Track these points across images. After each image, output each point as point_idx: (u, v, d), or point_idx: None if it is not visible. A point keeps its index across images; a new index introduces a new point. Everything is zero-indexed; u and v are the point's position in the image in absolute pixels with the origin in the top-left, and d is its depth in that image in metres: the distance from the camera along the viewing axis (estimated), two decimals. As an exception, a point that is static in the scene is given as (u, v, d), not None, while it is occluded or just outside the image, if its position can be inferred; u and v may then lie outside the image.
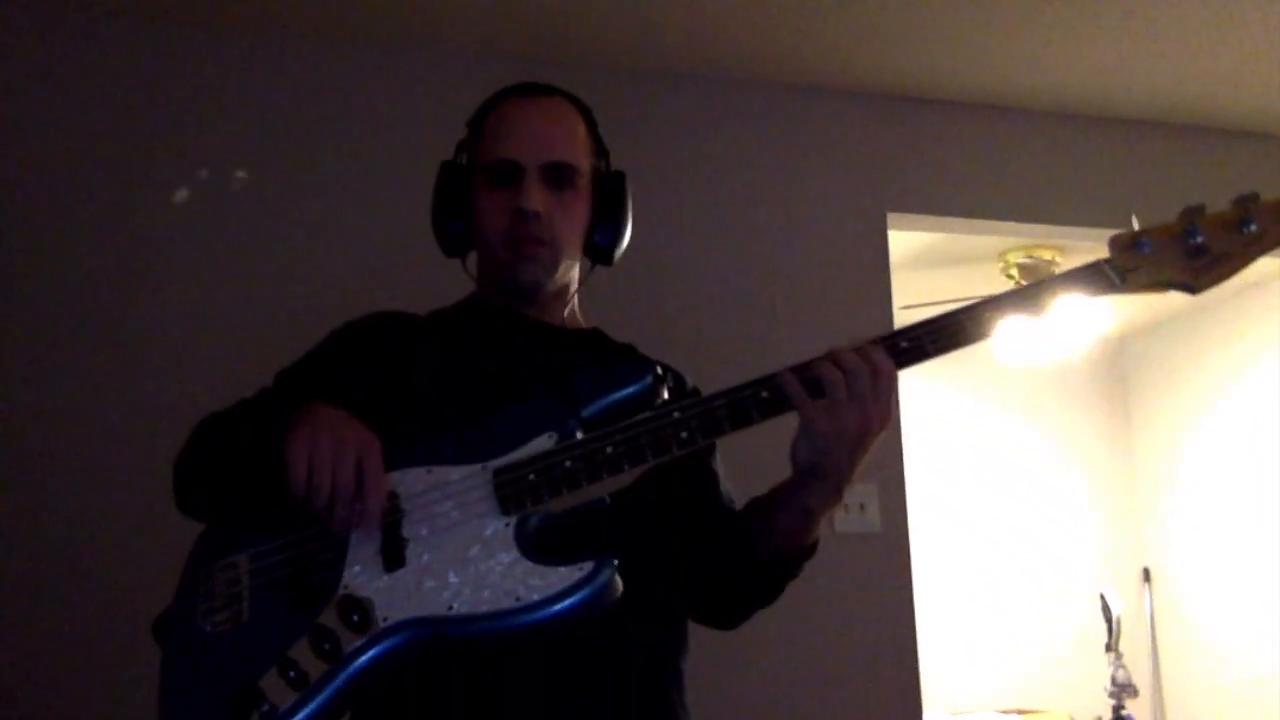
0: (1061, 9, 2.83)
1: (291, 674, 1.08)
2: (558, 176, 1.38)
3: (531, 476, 1.16)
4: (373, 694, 1.17)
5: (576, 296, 1.49)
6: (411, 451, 1.22)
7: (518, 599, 1.09)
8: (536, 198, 1.35)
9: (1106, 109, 3.39)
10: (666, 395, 1.27)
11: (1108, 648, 5.01)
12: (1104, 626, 5.08)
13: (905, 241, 3.97)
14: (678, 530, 1.36)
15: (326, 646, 1.09)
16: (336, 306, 1.47)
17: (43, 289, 2.56)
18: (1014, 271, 4.67)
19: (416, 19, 2.77)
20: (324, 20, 2.76)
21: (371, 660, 1.09)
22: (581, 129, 1.44)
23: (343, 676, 1.08)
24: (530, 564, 1.11)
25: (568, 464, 1.17)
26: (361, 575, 1.14)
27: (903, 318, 3.38)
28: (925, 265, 4.69)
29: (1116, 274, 1.27)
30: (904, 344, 1.23)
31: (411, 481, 1.19)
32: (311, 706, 1.07)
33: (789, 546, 1.30)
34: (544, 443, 1.19)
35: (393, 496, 1.18)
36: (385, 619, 1.10)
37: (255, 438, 1.24)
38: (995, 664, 5.55)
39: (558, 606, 1.09)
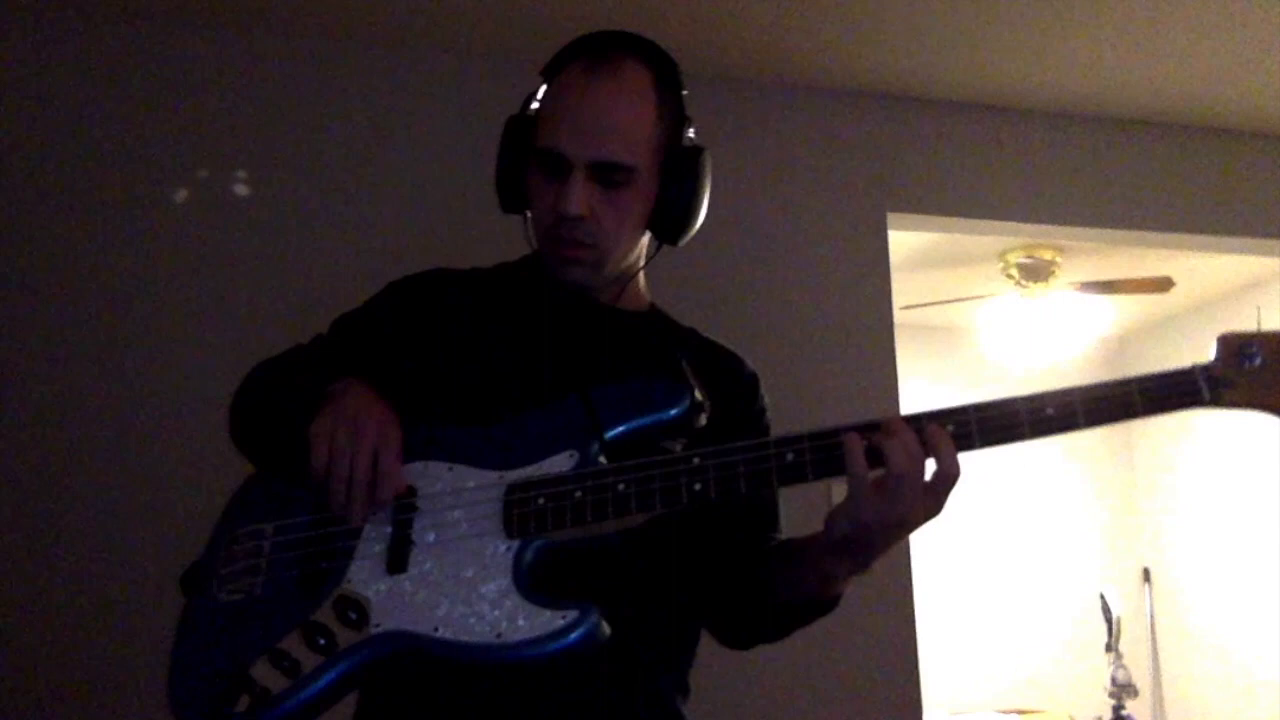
0: (1061, 9, 2.83)
1: (284, 663, 1.09)
2: (607, 175, 1.26)
3: (541, 500, 1.14)
4: (369, 689, 1.17)
5: (642, 274, 1.40)
6: (438, 441, 1.20)
7: (498, 635, 1.08)
8: (580, 200, 1.25)
9: (1106, 109, 3.39)
10: (704, 421, 1.20)
11: (1108, 648, 5.02)
12: (1104, 626, 5.08)
13: (905, 241, 3.98)
14: (689, 571, 1.31)
15: (321, 641, 1.09)
16: (338, 304, 1.46)
17: (43, 289, 2.56)
18: (1014, 271, 4.67)
19: (417, 19, 2.78)
20: (326, 20, 2.76)
21: (361, 662, 1.10)
22: (649, 110, 1.28)
23: (333, 673, 1.09)
24: (519, 598, 1.10)
25: (578, 494, 1.13)
26: (365, 572, 1.14)
27: (903, 318, 3.40)
28: (925, 265, 4.69)
29: (1209, 387, 1.08)
30: (963, 428, 1.10)
31: (432, 478, 1.18)
32: (300, 697, 1.07)
33: (809, 599, 1.25)
34: (563, 461, 1.16)
35: (411, 491, 1.17)
36: (377, 625, 1.10)
37: (292, 404, 1.22)
38: (995, 664, 5.55)
39: (535, 652, 1.07)
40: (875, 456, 1.09)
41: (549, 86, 1.32)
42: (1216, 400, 1.08)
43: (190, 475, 2.37)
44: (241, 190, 2.71)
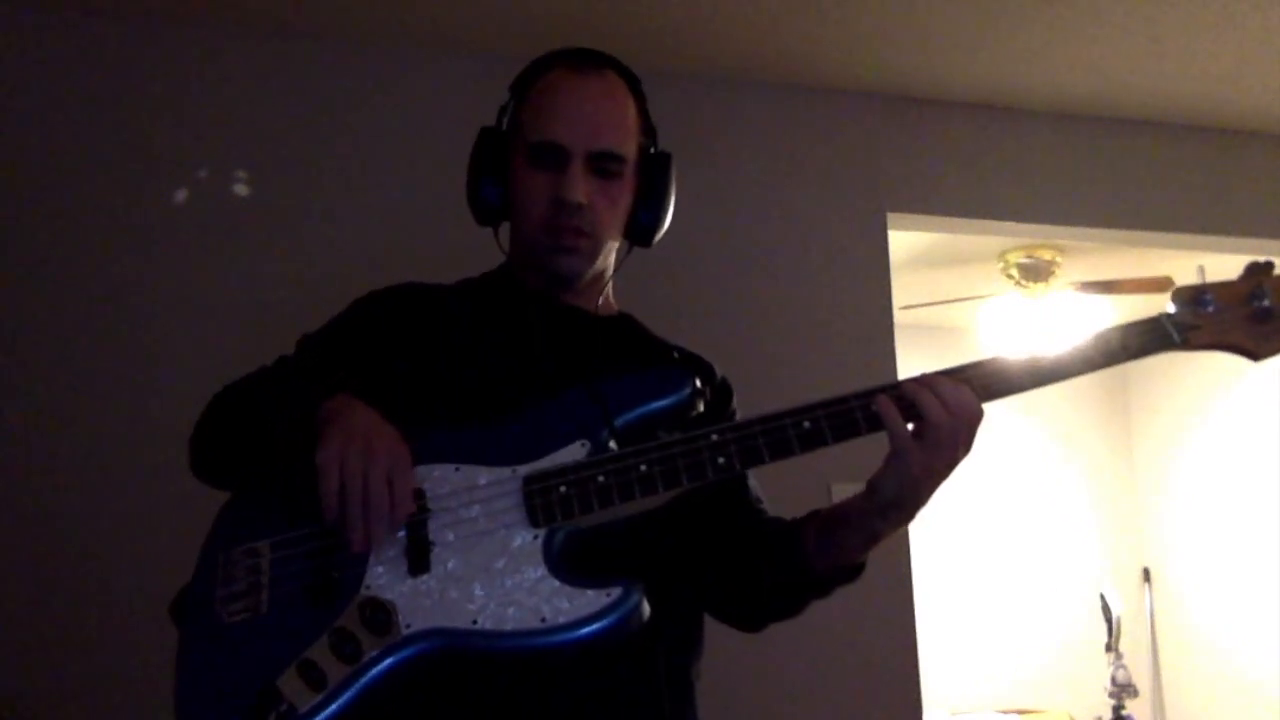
0: (1061, 9, 2.83)
1: (311, 675, 1.06)
2: (604, 165, 1.31)
3: (563, 489, 1.14)
4: (390, 698, 1.16)
5: (611, 282, 1.44)
6: (439, 445, 1.19)
7: (543, 619, 1.07)
8: (581, 188, 1.29)
9: (1106, 109, 3.39)
10: (702, 407, 1.23)
11: (1108, 648, 5.02)
12: (1104, 626, 5.08)
13: (905, 241, 3.98)
14: (708, 543, 1.33)
15: (348, 649, 1.08)
16: (338, 305, 1.46)
17: (43, 289, 2.56)
18: (1014, 271, 4.67)
19: (417, 19, 2.78)
20: (324, 20, 2.76)
21: (392, 667, 1.08)
22: (632, 110, 1.37)
23: (363, 681, 1.06)
24: (557, 583, 1.09)
25: (600, 479, 1.14)
26: (385, 577, 1.12)
27: (903, 318, 3.40)
28: (925, 265, 4.69)
29: (1178, 331, 1.21)
30: (989, 381, 1.20)
31: (438, 480, 1.17)
32: (331, 709, 1.06)
33: (843, 563, 1.28)
34: (576, 451, 1.17)
35: (419, 495, 1.15)
36: (408, 626, 1.09)
37: (285, 420, 1.20)
38: (995, 664, 5.55)
39: (584, 631, 1.07)
40: (909, 411, 1.16)
41: (531, 93, 1.36)
42: (1186, 342, 1.22)
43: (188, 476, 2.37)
44: (241, 190, 2.71)
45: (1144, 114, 3.42)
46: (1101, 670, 5.02)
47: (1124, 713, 4.86)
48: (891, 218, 3.20)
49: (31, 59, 2.64)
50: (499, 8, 2.74)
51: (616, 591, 1.08)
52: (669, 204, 1.41)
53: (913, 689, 2.96)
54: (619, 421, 1.18)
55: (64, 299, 2.56)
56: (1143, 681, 5.39)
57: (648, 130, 1.40)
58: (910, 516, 1.21)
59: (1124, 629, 5.07)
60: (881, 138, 3.23)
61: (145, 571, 2.37)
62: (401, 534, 1.13)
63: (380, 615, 1.09)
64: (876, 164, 3.21)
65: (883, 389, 1.18)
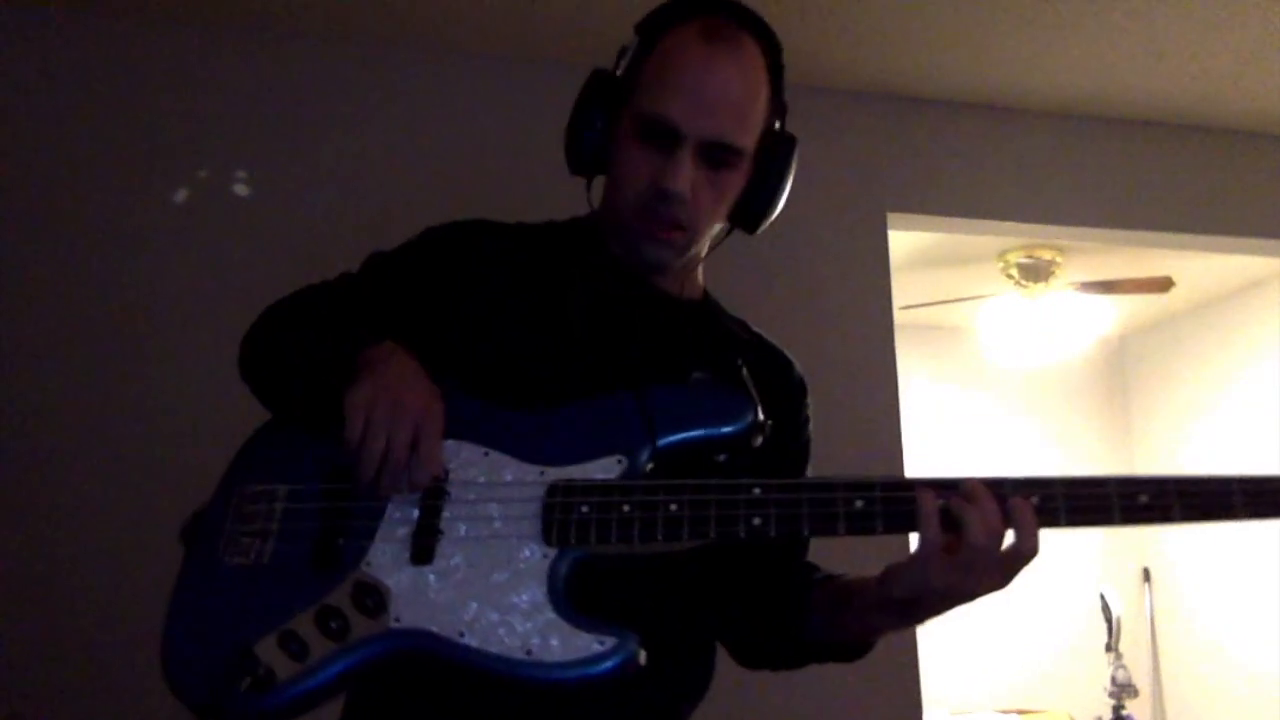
0: (1061, 9, 2.83)
1: (293, 645, 1.03)
2: (717, 155, 1.19)
3: (584, 509, 1.05)
4: (371, 683, 1.13)
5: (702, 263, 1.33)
6: (475, 421, 1.12)
7: (528, 652, 1.02)
8: (686, 178, 1.17)
9: (1106, 109, 3.39)
10: (761, 441, 1.12)
11: (1108, 648, 5.02)
12: (1104, 626, 5.08)
13: (905, 241, 3.98)
14: (726, 598, 1.25)
15: (334, 625, 1.04)
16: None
17: (43, 289, 2.56)
18: (1014, 271, 4.67)
19: (417, 19, 2.78)
20: (324, 20, 2.76)
21: (374, 655, 1.05)
22: (764, 91, 1.24)
23: (344, 663, 1.04)
24: (552, 614, 1.03)
25: (625, 508, 1.05)
26: (386, 558, 1.07)
27: (903, 318, 3.40)
28: (925, 265, 4.69)
29: None
30: (1049, 503, 1.02)
31: (465, 462, 1.10)
32: (307, 684, 1.03)
33: (842, 643, 1.21)
34: (610, 466, 1.08)
35: (444, 474, 1.09)
36: (398, 619, 1.05)
37: (324, 356, 1.14)
38: (995, 664, 5.55)
39: (567, 675, 1.01)
40: (950, 521, 1.02)
41: (657, 48, 1.22)
42: None
43: (188, 475, 2.37)
44: (241, 190, 2.71)
45: (1144, 114, 3.42)
46: (1101, 670, 5.02)
47: (1124, 713, 4.86)
48: (891, 218, 3.19)
49: (32, 59, 2.64)
50: (499, 8, 2.74)
51: (610, 641, 1.01)
52: (783, 192, 1.29)
53: (913, 689, 2.96)
54: (663, 442, 1.09)
55: (65, 299, 2.56)
56: (1143, 681, 5.39)
57: (777, 108, 1.28)
58: (911, 624, 1.13)
59: (1124, 629, 5.07)
60: (881, 138, 3.23)
61: (145, 571, 2.37)
62: (415, 513, 1.08)
63: (373, 600, 1.05)
64: (876, 164, 3.21)
65: (938, 482, 1.04)
